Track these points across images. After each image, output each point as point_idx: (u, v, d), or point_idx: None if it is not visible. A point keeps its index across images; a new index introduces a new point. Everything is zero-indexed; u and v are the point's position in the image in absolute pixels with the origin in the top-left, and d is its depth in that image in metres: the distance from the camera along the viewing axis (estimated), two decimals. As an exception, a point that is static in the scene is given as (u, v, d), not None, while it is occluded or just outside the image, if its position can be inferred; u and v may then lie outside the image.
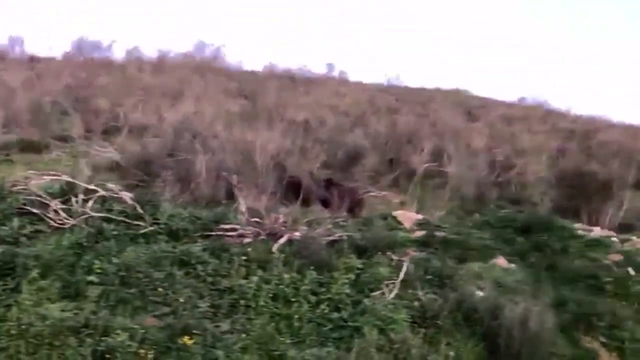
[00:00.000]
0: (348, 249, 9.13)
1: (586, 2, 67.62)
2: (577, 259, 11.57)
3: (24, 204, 8.35)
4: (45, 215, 8.15)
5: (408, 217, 11.51)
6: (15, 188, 8.94)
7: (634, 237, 14.11)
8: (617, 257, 12.53)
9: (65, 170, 13.90)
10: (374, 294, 8.06)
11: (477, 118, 41.89)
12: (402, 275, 8.37)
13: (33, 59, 25.57)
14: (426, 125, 24.73)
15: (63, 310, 6.10)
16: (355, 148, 14.87)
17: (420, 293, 8.29)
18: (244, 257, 7.94)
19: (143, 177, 13.31)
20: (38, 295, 6.24)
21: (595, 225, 15.83)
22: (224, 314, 7.03)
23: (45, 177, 9.84)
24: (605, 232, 14.48)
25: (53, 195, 8.73)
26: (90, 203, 8.63)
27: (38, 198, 8.44)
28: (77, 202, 8.60)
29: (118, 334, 5.87)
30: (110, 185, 9.48)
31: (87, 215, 8.20)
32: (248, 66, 36.60)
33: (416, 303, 8.13)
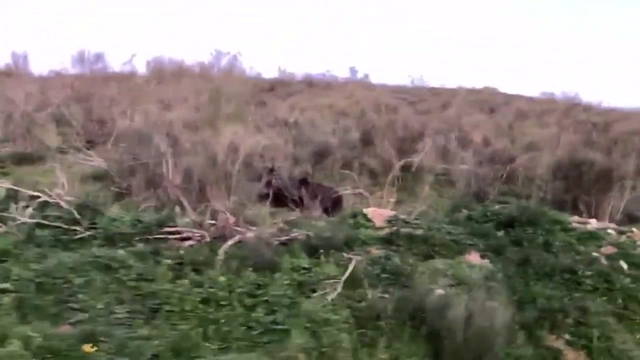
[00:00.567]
0: (300, 248, 8.73)
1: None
2: (563, 252, 10.92)
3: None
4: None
5: (379, 214, 10.99)
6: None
7: (635, 229, 13.34)
8: (610, 250, 11.80)
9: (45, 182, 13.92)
10: (316, 294, 7.63)
11: (497, 114, 41.09)
12: (347, 274, 7.90)
13: (39, 74, 25.92)
14: (433, 122, 24.18)
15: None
16: (325, 145, 14.41)
17: (368, 292, 7.83)
18: (175, 261, 7.60)
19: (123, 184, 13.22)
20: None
21: (596, 217, 15.07)
22: (143, 320, 6.70)
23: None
24: (603, 225, 13.71)
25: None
26: (29, 209, 8.44)
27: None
28: (16, 209, 8.42)
29: (12, 343, 5.61)
30: (57, 192, 9.28)
31: (19, 222, 8.02)
32: (270, 73, 36.55)
33: (363, 303, 7.69)
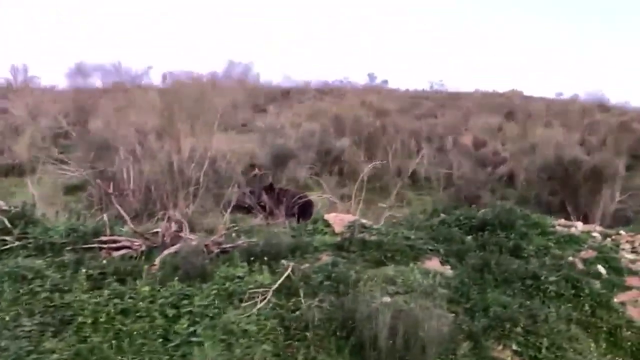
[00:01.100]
0: (241, 257, 8.40)
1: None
2: (535, 257, 10.40)
3: None
4: None
5: (340, 219, 10.61)
6: None
7: (623, 232, 12.71)
8: (589, 254, 11.25)
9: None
10: (244, 304, 7.28)
11: (513, 117, 40.47)
12: (278, 283, 7.53)
13: (39, 86, 26.25)
14: (436, 126, 23.74)
15: None
16: (283, 150, 14.05)
17: (303, 301, 7.46)
18: (98, 271, 7.34)
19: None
20: None
21: (585, 220, 14.43)
22: (51, 333, 6.44)
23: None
24: (588, 227, 13.09)
25: None
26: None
27: None
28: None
29: None
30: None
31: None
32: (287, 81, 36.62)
33: (297, 313, 7.32)
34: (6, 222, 8.14)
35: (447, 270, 9.37)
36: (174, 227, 8.84)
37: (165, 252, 8.28)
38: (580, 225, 13.18)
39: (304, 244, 9.26)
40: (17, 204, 8.71)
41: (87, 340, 6.48)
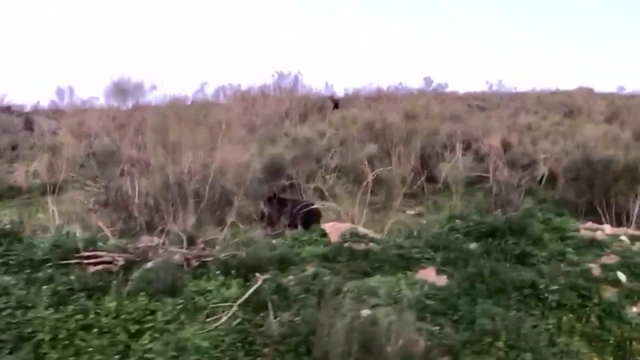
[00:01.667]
0: (219, 270, 8.25)
1: None
2: (547, 264, 9.71)
3: None
4: None
5: (337, 228, 10.27)
6: None
7: (656, 236, 11.74)
8: (611, 260, 10.42)
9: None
10: (210, 319, 7.11)
11: (572, 115, 39.02)
12: (244, 297, 7.32)
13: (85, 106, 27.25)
14: (465, 128, 22.97)
15: None
16: (278, 160, 13.75)
17: (271, 316, 7.21)
18: (66, 287, 7.36)
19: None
20: None
21: (619, 223, 13.46)
22: (9, 349, 6.48)
23: None
24: (617, 231, 12.16)
25: None
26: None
27: None
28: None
29: None
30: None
31: None
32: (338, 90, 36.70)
33: (263, 328, 7.08)
34: (-7, 239, 8.32)
35: (442, 280, 8.87)
36: (155, 241, 8.77)
37: (146, 266, 8.22)
38: (608, 228, 12.27)
39: (290, 255, 9.01)
40: (6, 222, 8.90)
41: (45, 357, 6.49)
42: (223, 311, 7.14)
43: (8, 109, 29.38)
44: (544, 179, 18.24)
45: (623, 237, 11.58)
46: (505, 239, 10.46)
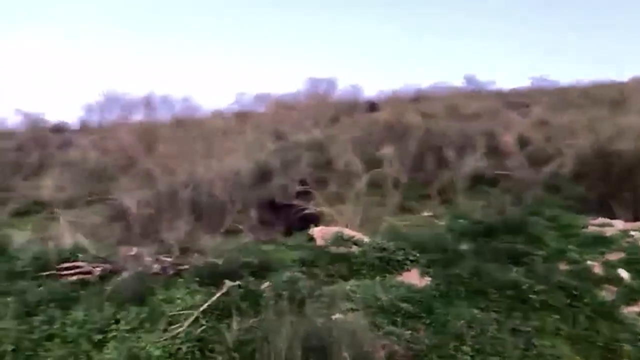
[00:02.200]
0: (193, 278, 8.22)
1: None
2: (544, 262, 9.28)
3: None
4: None
5: (325, 232, 10.11)
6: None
7: (669, 231, 11.10)
8: (616, 256, 9.89)
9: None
10: (172, 327, 7.07)
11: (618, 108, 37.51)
12: (207, 304, 7.24)
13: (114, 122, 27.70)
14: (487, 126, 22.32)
15: None
16: (266, 166, 13.53)
17: (235, 323, 7.12)
18: (36, 299, 7.48)
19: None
20: None
21: (637, 218, 12.77)
22: (-30, 362, 6.63)
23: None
24: (630, 226, 11.52)
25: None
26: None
27: None
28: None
29: None
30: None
31: None
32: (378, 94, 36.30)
33: (225, 334, 6.99)
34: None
35: (424, 282, 8.57)
36: (135, 250, 8.84)
37: (120, 276, 8.28)
38: (619, 224, 11.66)
39: (270, 260, 8.91)
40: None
41: (8, 367, 6.59)
42: (185, 319, 7.07)
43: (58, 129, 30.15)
44: (569, 175, 17.49)
45: (633, 233, 10.98)
46: (499, 238, 10.09)
